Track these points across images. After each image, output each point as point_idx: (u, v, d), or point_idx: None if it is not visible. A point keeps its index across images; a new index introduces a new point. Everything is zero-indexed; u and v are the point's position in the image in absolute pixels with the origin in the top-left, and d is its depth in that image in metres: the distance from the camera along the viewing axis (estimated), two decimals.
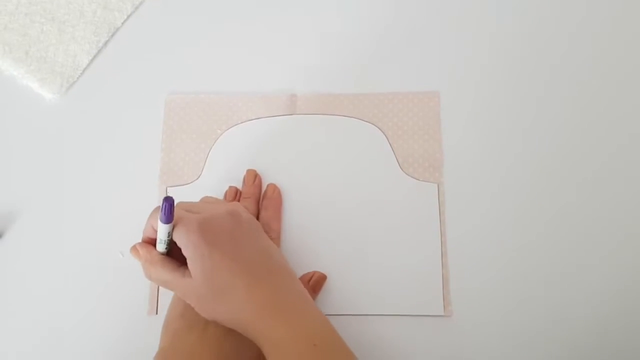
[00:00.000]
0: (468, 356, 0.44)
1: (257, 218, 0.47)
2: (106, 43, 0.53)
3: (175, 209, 0.37)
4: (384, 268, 0.46)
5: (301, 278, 0.45)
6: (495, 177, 0.48)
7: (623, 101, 0.50)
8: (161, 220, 0.38)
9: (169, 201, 0.36)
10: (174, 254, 0.41)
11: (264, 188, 0.48)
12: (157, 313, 0.46)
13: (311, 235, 0.47)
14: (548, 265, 0.46)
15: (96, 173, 0.49)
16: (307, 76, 0.52)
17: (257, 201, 0.47)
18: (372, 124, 0.50)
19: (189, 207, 0.41)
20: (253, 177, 0.48)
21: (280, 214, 0.47)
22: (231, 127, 0.50)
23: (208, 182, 0.49)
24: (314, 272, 0.46)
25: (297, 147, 0.49)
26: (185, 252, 0.39)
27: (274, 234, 0.46)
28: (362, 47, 0.52)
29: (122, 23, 0.53)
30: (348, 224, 0.47)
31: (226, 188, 0.48)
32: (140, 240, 0.42)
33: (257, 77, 0.52)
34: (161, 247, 0.40)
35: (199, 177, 0.49)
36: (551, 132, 0.49)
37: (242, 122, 0.50)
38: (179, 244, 0.39)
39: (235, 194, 0.47)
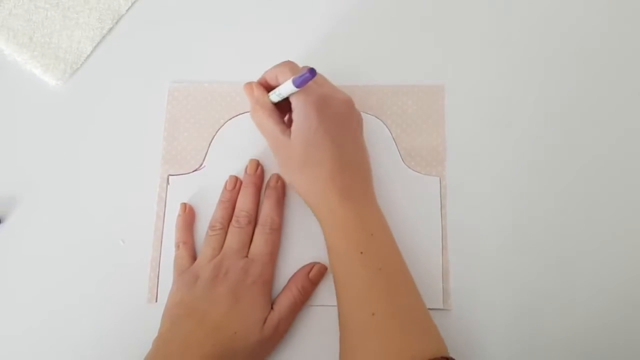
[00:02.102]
0: (467, 349, 0.44)
1: (258, 208, 0.47)
2: (110, 30, 0.53)
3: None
4: None
5: (301, 269, 0.46)
6: (497, 172, 0.48)
7: (627, 96, 0.50)
8: (294, 83, 0.40)
9: (312, 74, 0.39)
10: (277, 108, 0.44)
11: (266, 178, 0.48)
12: (156, 301, 0.46)
13: (312, 226, 0.47)
14: (548, 260, 0.46)
15: (98, 160, 0.50)
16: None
17: (259, 191, 0.47)
18: (376, 116, 0.50)
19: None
20: (255, 166, 0.48)
21: (283, 205, 0.47)
22: (234, 117, 0.50)
23: (210, 171, 0.49)
24: (315, 263, 0.46)
25: None
26: (295, 116, 0.42)
27: (275, 225, 0.46)
28: (367, 40, 0.52)
29: (127, 10, 0.53)
30: None
31: (228, 177, 0.48)
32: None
33: (261, 67, 0.51)
34: (274, 97, 0.43)
35: (201, 166, 0.49)
36: (555, 127, 0.49)
37: (245, 112, 0.50)
38: (294, 106, 0.42)
39: (235, 183, 0.47)
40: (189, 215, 0.47)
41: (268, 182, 0.48)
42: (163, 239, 0.47)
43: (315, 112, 0.41)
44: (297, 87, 0.40)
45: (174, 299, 0.44)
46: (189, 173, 0.49)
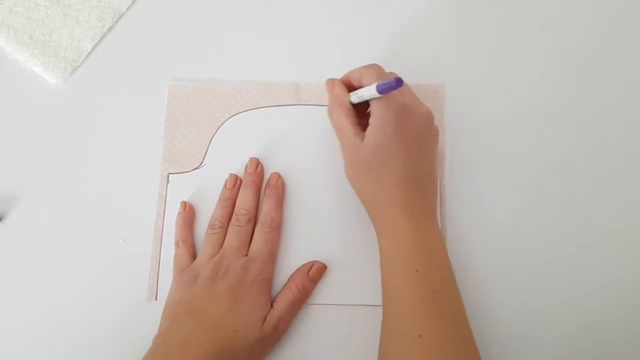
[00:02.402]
0: None
1: (258, 207, 0.47)
2: (110, 28, 0.53)
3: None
4: None
5: (301, 268, 0.46)
6: (497, 172, 0.48)
7: (628, 96, 0.50)
8: (378, 89, 0.39)
9: (398, 83, 0.38)
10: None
11: (266, 177, 0.48)
12: (156, 299, 0.46)
13: (312, 224, 0.47)
14: (551, 262, 0.46)
15: (98, 158, 0.50)
16: (312, 66, 0.51)
17: (258, 189, 0.47)
18: None
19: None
20: (255, 165, 0.48)
21: (282, 203, 0.47)
22: (234, 115, 0.50)
23: (210, 170, 0.49)
24: (314, 262, 0.46)
25: (300, 137, 0.49)
26: (372, 120, 0.41)
27: (274, 223, 0.46)
28: (368, 38, 0.52)
29: (127, 9, 0.53)
30: (349, 214, 0.47)
31: (228, 176, 0.48)
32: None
33: (261, 66, 0.52)
34: (354, 98, 0.43)
35: (200, 164, 0.49)
36: (556, 126, 0.49)
37: (245, 111, 0.50)
38: (373, 111, 0.41)
39: (235, 182, 0.47)
40: (188, 213, 0.47)
41: (268, 180, 0.48)
42: (163, 237, 0.47)
43: (394, 121, 0.40)
44: (379, 93, 0.39)
45: (173, 297, 0.44)
46: (189, 171, 0.49)
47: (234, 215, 0.46)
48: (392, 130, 0.41)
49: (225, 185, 0.48)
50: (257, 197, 0.47)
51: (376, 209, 0.43)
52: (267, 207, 0.46)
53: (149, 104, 0.51)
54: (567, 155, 0.48)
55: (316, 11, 0.53)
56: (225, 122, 0.50)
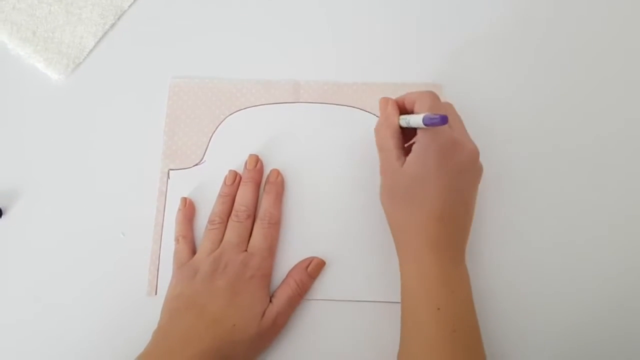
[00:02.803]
0: None
1: (258, 203, 0.47)
2: (112, 25, 0.53)
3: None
4: (383, 255, 0.46)
5: (300, 264, 0.46)
6: (495, 172, 0.48)
7: (628, 94, 0.50)
8: (424, 121, 0.38)
9: (443, 121, 0.37)
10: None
11: (265, 173, 0.49)
12: (156, 294, 0.46)
13: (311, 221, 0.48)
14: (551, 258, 0.46)
15: (99, 154, 0.50)
16: (311, 65, 0.52)
17: (258, 186, 0.48)
18: (374, 114, 0.50)
19: (449, 115, 0.41)
20: (255, 162, 0.48)
21: (282, 200, 0.48)
22: (234, 113, 0.50)
23: (210, 166, 0.49)
24: (313, 258, 0.46)
25: (299, 135, 0.50)
26: (416, 148, 0.41)
27: (273, 219, 0.46)
28: (367, 38, 0.53)
29: (129, 6, 0.54)
30: (348, 211, 0.48)
31: (227, 172, 0.48)
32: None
33: (261, 64, 0.52)
34: (403, 122, 0.42)
35: (201, 161, 0.49)
36: (554, 127, 0.50)
37: (245, 108, 0.51)
38: (418, 138, 0.41)
39: (235, 178, 0.48)
40: (188, 209, 0.48)
41: (267, 177, 0.48)
42: (163, 232, 0.48)
43: (437, 153, 0.40)
44: (424, 125, 0.39)
45: (173, 292, 0.44)
46: (189, 168, 0.49)
47: (233, 211, 0.46)
48: (433, 162, 0.40)
49: (224, 182, 0.48)
50: (256, 194, 0.47)
51: (403, 237, 0.43)
52: (266, 203, 0.47)
53: (150, 100, 0.51)
54: (567, 155, 0.49)
55: (315, 10, 0.53)
56: (225, 119, 0.50)
